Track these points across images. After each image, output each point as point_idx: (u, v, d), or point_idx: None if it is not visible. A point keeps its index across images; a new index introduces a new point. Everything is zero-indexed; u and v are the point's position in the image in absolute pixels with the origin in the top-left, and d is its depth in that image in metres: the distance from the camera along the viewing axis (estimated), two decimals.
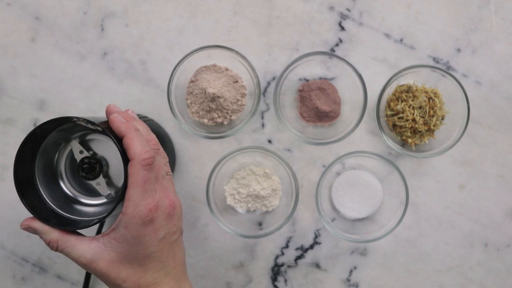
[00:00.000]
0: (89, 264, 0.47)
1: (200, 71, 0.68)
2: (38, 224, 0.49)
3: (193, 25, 0.69)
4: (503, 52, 0.68)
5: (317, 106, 0.67)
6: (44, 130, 0.51)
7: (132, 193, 0.47)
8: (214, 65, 0.68)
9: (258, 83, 0.65)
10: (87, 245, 0.48)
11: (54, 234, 0.49)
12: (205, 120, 0.67)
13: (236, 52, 0.65)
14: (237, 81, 0.68)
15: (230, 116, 0.67)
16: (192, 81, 0.68)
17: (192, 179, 0.70)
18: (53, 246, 0.49)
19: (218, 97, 0.65)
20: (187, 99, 0.68)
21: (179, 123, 0.66)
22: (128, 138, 0.48)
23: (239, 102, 0.67)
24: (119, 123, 0.49)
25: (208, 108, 0.66)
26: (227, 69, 0.68)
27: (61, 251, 0.48)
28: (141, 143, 0.47)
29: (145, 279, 0.48)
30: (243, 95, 0.68)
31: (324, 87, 0.67)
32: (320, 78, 0.69)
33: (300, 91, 0.68)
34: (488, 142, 0.69)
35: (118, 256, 0.47)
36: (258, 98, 0.66)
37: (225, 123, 0.67)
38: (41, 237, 0.49)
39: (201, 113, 0.67)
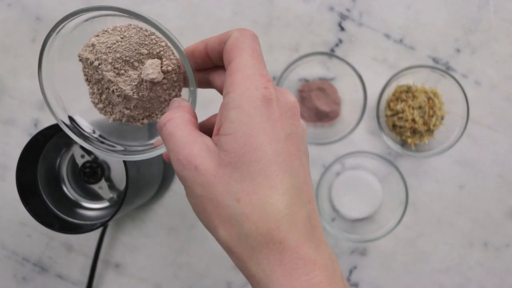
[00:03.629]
0: (188, 158, 0.30)
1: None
2: None
3: (193, 25, 0.69)
4: (503, 52, 0.68)
5: (317, 107, 0.67)
6: (45, 135, 0.52)
7: (239, 62, 0.31)
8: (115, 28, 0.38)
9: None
10: (199, 135, 0.32)
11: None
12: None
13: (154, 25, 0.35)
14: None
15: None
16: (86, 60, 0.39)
17: None
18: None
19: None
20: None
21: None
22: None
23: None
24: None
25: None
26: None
27: (167, 122, 0.32)
28: None
29: (271, 204, 0.29)
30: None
31: (324, 87, 0.68)
32: (320, 78, 0.69)
33: (300, 91, 0.68)
34: (488, 142, 0.69)
35: (230, 158, 0.29)
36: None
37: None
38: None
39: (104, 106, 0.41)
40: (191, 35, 0.69)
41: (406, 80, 0.67)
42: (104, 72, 0.36)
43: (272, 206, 0.29)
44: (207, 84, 0.37)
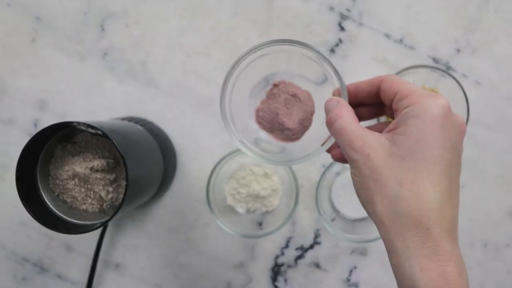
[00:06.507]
0: (362, 147, 0.38)
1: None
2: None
3: (193, 25, 0.69)
4: (503, 52, 0.68)
5: (277, 112, 0.51)
6: (45, 135, 0.52)
7: (409, 88, 0.39)
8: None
9: None
10: (368, 130, 0.39)
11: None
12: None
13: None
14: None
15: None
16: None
17: (192, 179, 0.70)
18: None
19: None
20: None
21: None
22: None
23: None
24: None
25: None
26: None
27: (338, 118, 0.40)
28: None
29: (426, 196, 0.35)
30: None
31: (298, 94, 0.53)
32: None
33: (275, 84, 0.53)
34: (488, 142, 0.69)
35: (401, 152, 0.36)
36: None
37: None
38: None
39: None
40: (191, 35, 0.69)
41: (406, 80, 0.67)
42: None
43: (427, 198, 0.35)
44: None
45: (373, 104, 0.45)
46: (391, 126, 0.39)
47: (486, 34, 0.68)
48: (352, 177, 0.39)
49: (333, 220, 0.70)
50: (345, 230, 0.68)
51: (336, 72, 0.45)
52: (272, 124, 0.51)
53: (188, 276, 0.70)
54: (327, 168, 0.66)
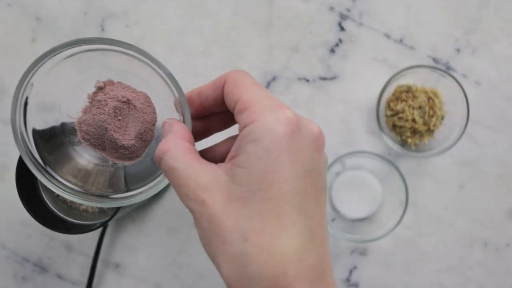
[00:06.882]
0: (195, 191, 0.29)
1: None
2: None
3: (193, 25, 0.69)
4: (503, 52, 0.68)
5: (106, 127, 0.38)
6: None
7: (250, 96, 0.30)
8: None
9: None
10: (202, 164, 0.30)
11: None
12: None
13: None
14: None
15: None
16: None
17: None
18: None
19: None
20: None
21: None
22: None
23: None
24: None
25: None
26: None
27: (163, 154, 0.31)
28: None
29: (279, 248, 0.27)
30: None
31: (135, 103, 0.39)
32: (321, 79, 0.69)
33: (100, 87, 0.40)
34: (488, 142, 0.69)
35: (242, 192, 0.28)
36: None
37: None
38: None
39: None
40: (191, 35, 0.69)
41: (406, 80, 0.67)
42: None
43: (280, 249, 0.27)
44: (203, 133, 0.37)
45: (225, 111, 0.34)
46: (232, 152, 0.30)
47: (486, 34, 0.68)
48: (197, 230, 0.31)
49: (333, 220, 0.70)
50: (345, 230, 0.68)
51: (170, 75, 0.33)
52: (102, 141, 0.39)
53: (188, 276, 0.70)
54: (327, 168, 0.66)
